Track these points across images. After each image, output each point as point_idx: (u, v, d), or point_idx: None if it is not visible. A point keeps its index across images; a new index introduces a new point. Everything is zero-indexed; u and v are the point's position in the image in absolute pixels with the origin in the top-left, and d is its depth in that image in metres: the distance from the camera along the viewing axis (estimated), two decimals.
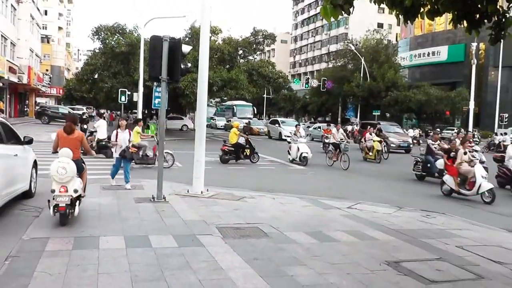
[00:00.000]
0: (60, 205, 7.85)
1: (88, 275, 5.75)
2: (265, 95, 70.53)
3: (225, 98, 44.36)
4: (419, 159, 18.07)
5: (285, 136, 39.01)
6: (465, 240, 8.59)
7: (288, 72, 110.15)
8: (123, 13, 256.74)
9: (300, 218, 9.70)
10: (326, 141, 27.18)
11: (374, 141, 24.74)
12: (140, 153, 17.95)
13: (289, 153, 21.95)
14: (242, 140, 21.03)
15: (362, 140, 26.69)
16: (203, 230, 8.23)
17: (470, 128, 42.62)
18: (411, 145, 33.48)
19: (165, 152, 17.57)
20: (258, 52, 44.28)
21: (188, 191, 11.88)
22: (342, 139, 21.77)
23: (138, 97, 34.32)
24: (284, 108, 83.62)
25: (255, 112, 65.82)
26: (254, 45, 41.07)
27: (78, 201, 8.38)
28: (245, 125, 46.13)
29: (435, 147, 17.60)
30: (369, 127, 28.41)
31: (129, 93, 36.85)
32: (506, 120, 46.73)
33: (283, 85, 47.88)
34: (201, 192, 11.78)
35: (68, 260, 6.23)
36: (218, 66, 37.95)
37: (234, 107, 61.17)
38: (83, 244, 7.01)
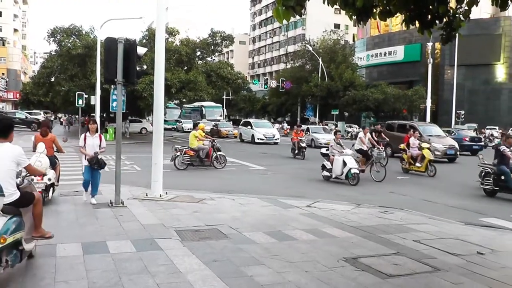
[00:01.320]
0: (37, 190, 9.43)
1: (44, 284, 5.64)
2: (224, 96, 70.43)
3: (184, 100, 43.80)
4: (489, 170, 14.23)
5: (258, 139, 37.08)
6: (423, 234, 8.77)
7: (247, 73, 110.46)
8: (79, 14, 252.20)
9: (259, 218, 9.72)
10: (303, 145, 25.23)
11: (423, 148, 19.44)
12: (201, 153, 19.36)
13: (324, 168, 16.93)
14: (207, 143, 20.44)
15: (401, 146, 20.78)
16: (161, 233, 8.15)
17: None
18: (458, 152, 26.51)
19: (219, 154, 19.73)
20: (216, 53, 44.09)
21: (146, 195, 11.76)
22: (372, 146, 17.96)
23: (96, 100, 33.76)
24: (244, 109, 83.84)
25: (225, 113, 64.20)
26: (212, 46, 40.87)
27: (52, 188, 10.55)
28: (212, 127, 45.51)
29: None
30: (411, 130, 21.81)
31: (87, 96, 36.19)
32: (462, 116, 48.08)
33: (242, 86, 47.92)
34: (160, 196, 11.68)
35: (25, 269, 6.08)
36: (176, 67, 37.66)
37: (203, 108, 58.60)
38: (40, 253, 6.83)
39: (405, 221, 9.93)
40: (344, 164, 15.95)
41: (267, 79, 75.16)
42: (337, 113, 59.54)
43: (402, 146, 20.70)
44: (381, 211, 10.97)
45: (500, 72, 62.88)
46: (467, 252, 7.62)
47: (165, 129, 57.91)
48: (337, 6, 6.07)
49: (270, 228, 8.82)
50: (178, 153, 19.11)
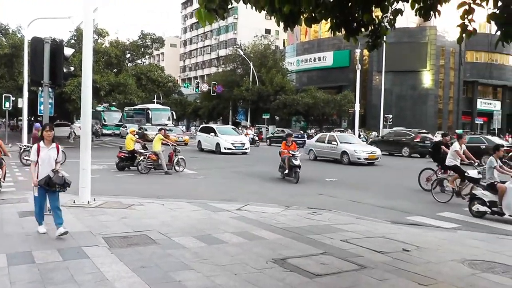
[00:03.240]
0: None
1: None
2: (155, 100, 69.53)
3: (114, 103, 42.86)
4: None
5: (225, 148, 31.35)
6: (350, 233, 9.03)
7: (178, 76, 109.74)
8: (5, 11, 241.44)
9: (189, 223, 9.67)
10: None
11: None
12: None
13: (477, 200, 11.41)
14: (138, 147, 20.17)
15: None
16: (89, 241, 7.98)
17: (356, 129, 44.64)
18: None
19: (180, 158, 19.93)
20: (146, 56, 43.58)
21: (74, 202, 11.42)
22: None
23: (23, 103, 32.48)
24: (175, 112, 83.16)
25: (174, 117, 60.96)
26: (142, 49, 40.40)
27: None
28: (158, 132, 43.90)
29: None
30: None
31: (14, 98, 34.84)
32: (390, 120, 49.81)
33: (173, 89, 47.49)
34: (88, 202, 11.39)
35: None
36: (106, 69, 36.91)
37: (149, 111, 55.11)
38: None
39: (333, 222, 10.17)
40: None
41: (198, 82, 74.96)
42: (268, 117, 60.22)
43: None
44: (309, 213, 11.18)
45: (426, 79, 65.84)
46: (393, 249, 7.91)
47: (104, 134, 55.64)
48: (264, 12, 6.13)
49: (199, 232, 8.80)
50: (142, 157, 19.32)
